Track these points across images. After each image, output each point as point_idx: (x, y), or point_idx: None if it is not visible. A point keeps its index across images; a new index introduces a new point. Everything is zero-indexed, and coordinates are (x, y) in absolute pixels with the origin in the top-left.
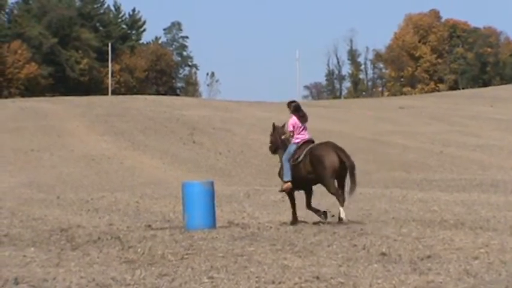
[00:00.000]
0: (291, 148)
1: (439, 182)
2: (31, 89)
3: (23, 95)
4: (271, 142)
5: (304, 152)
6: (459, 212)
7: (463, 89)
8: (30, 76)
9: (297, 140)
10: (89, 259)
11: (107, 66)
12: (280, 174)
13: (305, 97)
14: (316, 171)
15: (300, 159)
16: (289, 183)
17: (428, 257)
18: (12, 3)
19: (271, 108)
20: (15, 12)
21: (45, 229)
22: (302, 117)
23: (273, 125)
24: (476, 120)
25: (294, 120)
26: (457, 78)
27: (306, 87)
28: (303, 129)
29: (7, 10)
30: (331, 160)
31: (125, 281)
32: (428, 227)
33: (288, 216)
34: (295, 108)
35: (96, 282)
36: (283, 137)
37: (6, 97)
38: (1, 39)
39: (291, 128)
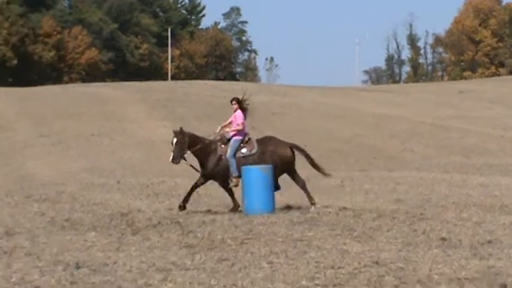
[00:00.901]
0: (236, 144)
1: (500, 166)
2: (91, 74)
3: (83, 81)
4: (180, 150)
5: (256, 147)
6: None
7: None
8: (90, 61)
9: (240, 136)
10: (149, 244)
11: (167, 52)
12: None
13: (364, 82)
14: (282, 166)
15: (252, 153)
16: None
17: (489, 242)
18: None
19: (330, 93)
20: None
21: (106, 214)
22: (246, 111)
23: (181, 129)
24: None
25: (242, 115)
26: None
27: (366, 72)
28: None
29: None
30: (290, 155)
31: (185, 266)
32: (489, 212)
33: (346, 202)
34: (241, 105)
35: (156, 267)
36: (221, 132)
37: (66, 82)
38: (62, 25)
39: (242, 122)
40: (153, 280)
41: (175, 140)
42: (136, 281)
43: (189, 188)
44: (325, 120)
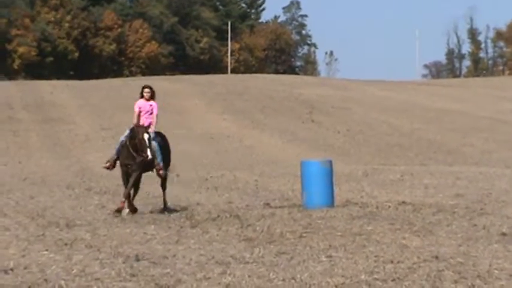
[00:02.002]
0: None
1: None
2: (152, 67)
3: (143, 74)
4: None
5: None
6: None
7: None
8: (150, 55)
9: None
10: (208, 237)
11: (227, 45)
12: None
13: (424, 76)
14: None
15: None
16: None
17: None
18: None
19: (390, 87)
20: None
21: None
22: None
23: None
24: None
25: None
26: None
27: (426, 66)
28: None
29: None
30: None
31: (244, 259)
32: None
33: (406, 196)
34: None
35: (215, 260)
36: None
37: (127, 76)
38: (123, 18)
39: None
40: (212, 273)
41: (147, 136)
42: (195, 274)
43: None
44: (385, 114)
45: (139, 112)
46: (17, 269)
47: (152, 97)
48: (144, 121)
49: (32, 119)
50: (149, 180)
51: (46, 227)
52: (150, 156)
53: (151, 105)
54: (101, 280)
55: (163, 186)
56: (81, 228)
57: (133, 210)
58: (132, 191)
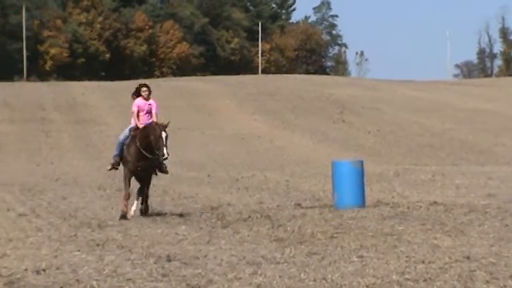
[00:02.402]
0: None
1: None
2: (182, 68)
3: (174, 74)
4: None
5: None
6: None
7: None
8: (181, 55)
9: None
10: (239, 237)
11: (257, 46)
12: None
13: (455, 76)
14: None
15: None
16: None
17: None
18: None
19: (421, 87)
20: None
21: (196, 207)
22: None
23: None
24: None
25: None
26: None
27: (457, 65)
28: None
29: None
30: None
31: (275, 259)
32: None
33: (437, 196)
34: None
35: (246, 260)
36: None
37: (158, 76)
38: (154, 20)
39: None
40: (243, 273)
41: (164, 134)
42: (227, 274)
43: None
44: (416, 114)
45: (138, 112)
46: (49, 269)
47: (149, 96)
48: (143, 121)
49: (63, 120)
50: (179, 181)
51: (78, 228)
52: (166, 156)
53: (150, 105)
54: (132, 280)
55: (147, 191)
56: (113, 228)
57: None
58: (134, 194)
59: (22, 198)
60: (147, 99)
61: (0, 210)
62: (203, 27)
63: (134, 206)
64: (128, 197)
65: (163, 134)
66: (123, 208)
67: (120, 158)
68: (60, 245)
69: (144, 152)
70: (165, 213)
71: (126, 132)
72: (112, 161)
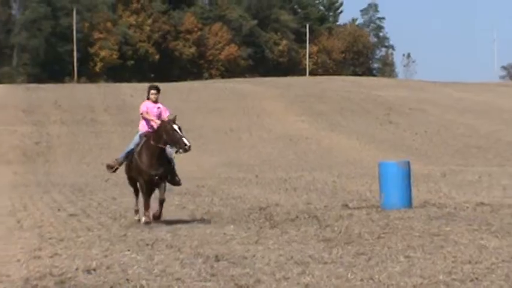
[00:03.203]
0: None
1: None
2: (231, 70)
3: (223, 76)
4: None
5: None
6: None
7: None
8: (230, 57)
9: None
10: (287, 237)
11: (305, 48)
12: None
13: (502, 77)
14: None
15: None
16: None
17: None
18: None
19: (467, 88)
20: None
21: (244, 207)
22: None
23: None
24: None
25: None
26: None
27: (503, 67)
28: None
29: None
30: None
31: (323, 259)
32: None
33: (484, 197)
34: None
35: (294, 260)
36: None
37: (206, 78)
38: (203, 22)
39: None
40: (291, 273)
41: (176, 126)
42: (275, 274)
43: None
44: (462, 115)
45: (147, 113)
46: (99, 268)
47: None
48: (154, 119)
49: (113, 121)
50: (228, 181)
51: (128, 228)
52: (188, 144)
53: (158, 108)
54: (181, 280)
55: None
56: (162, 228)
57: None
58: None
59: (73, 199)
60: (155, 102)
61: (51, 210)
62: (251, 29)
63: (140, 215)
64: (148, 207)
65: (176, 126)
66: (146, 219)
67: (127, 165)
68: (110, 244)
69: (163, 147)
70: (214, 213)
71: (136, 139)
72: (114, 159)
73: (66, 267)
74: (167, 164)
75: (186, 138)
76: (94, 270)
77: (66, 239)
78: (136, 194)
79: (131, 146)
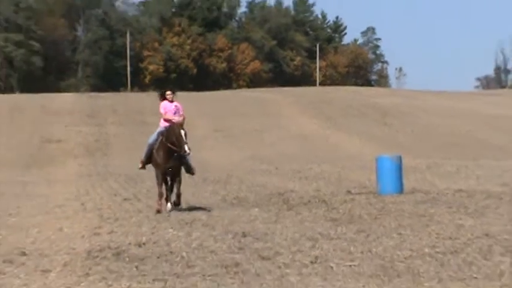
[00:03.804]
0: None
1: None
2: (255, 81)
3: (248, 87)
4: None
5: None
6: None
7: None
8: (254, 71)
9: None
10: (300, 217)
11: (315, 63)
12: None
13: (476, 87)
14: None
15: None
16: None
17: None
18: (240, 13)
19: (448, 96)
20: (243, 20)
21: (266, 193)
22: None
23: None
24: None
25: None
26: None
27: (478, 79)
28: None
29: (237, 18)
30: None
31: (329, 236)
32: None
33: (461, 185)
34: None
35: (306, 236)
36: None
37: (235, 88)
38: (232, 42)
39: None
40: (304, 247)
41: (183, 132)
42: (290, 248)
43: None
44: (444, 118)
45: (165, 113)
46: (148, 243)
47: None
48: (172, 117)
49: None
50: (253, 172)
51: (172, 210)
52: (188, 151)
53: (175, 106)
54: (214, 252)
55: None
56: (199, 210)
57: (175, 204)
58: (165, 191)
59: (126, 186)
60: (171, 101)
61: (108, 195)
62: (272, 48)
63: (169, 204)
64: (161, 196)
65: (182, 132)
66: (157, 207)
67: (149, 159)
68: (156, 223)
69: (173, 147)
70: (241, 198)
71: (154, 136)
72: (142, 159)
73: (121, 241)
74: (179, 158)
75: (187, 145)
76: (143, 244)
77: (121, 218)
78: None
79: (150, 141)
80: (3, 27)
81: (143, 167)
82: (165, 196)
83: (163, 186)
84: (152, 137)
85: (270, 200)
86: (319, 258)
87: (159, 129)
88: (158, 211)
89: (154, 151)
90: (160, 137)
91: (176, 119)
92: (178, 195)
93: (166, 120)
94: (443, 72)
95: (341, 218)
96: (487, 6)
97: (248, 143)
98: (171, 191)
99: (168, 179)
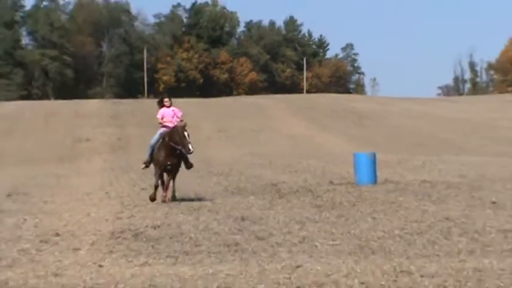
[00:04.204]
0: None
1: None
2: (252, 89)
3: (246, 94)
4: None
5: None
6: None
7: None
8: (251, 81)
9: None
10: (290, 204)
11: (303, 74)
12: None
13: (438, 94)
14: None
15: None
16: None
17: None
18: (239, 31)
19: (415, 102)
20: (242, 37)
21: (261, 184)
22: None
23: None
24: None
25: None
26: None
27: (439, 87)
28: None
29: (236, 36)
30: None
31: (315, 219)
32: None
33: (426, 176)
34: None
35: (295, 220)
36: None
37: (235, 95)
38: (232, 56)
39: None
40: (293, 229)
41: (186, 133)
42: (282, 229)
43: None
44: (412, 120)
45: (163, 118)
46: (162, 226)
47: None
48: (169, 122)
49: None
50: (251, 166)
51: (182, 198)
52: (191, 150)
53: (173, 111)
54: (218, 233)
55: (175, 178)
56: (205, 198)
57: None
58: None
59: (144, 178)
60: (169, 107)
61: (129, 185)
62: (266, 61)
63: (169, 195)
64: (156, 187)
65: (186, 133)
66: (151, 195)
67: (151, 158)
68: (169, 209)
69: (175, 146)
70: (240, 188)
71: (156, 137)
72: (145, 160)
73: (139, 224)
74: (178, 157)
75: (191, 144)
76: (158, 226)
77: (139, 205)
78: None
79: (152, 142)
80: (40, 44)
81: (146, 167)
82: (159, 187)
83: (159, 180)
84: (154, 138)
85: (265, 190)
86: (306, 238)
87: (159, 131)
88: (152, 199)
89: (156, 150)
90: (163, 138)
91: (171, 125)
92: (174, 191)
93: (163, 125)
94: (411, 82)
95: (324, 205)
96: (447, 25)
97: (246, 141)
98: (164, 184)
99: (165, 175)
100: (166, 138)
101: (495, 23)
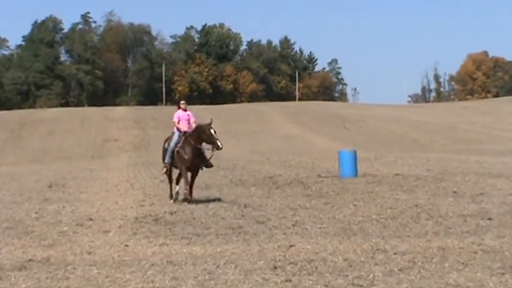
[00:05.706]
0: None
1: (488, 151)
2: (253, 97)
3: (248, 101)
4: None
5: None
6: (500, 168)
7: (502, 96)
8: (252, 91)
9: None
10: (285, 194)
11: (295, 85)
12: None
13: (409, 101)
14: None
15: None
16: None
17: (481, 193)
18: (242, 49)
19: (390, 108)
20: (244, 54)
21: (260, 176)
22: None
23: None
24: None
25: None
26: (499, 91)
27: (409, 95)
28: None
29: (240, 53)
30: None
31: (305, 206)
32: (481, 176)
33: (399, 170)
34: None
35: (289, 207)
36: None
37: (238, 103)
38: (236, 70)
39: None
40: (287, 214)
41: (213, 130)
42: (278, 215)
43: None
44: (387, 124)
45: (179, 120)
46: (177, 212)
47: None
48: (183, 126)
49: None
50: (251, 162)
51: (194, 189)
52: (221, 146)
53: (188, 114)
54: (224, 218)
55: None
56: (213, 189)
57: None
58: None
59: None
60: (185, 110)
61: (150, 178)
62: (264, 74)
63: (178, 188)
64: (188, 184)
65: (212, 131)
66: (185, 192)
67: (172, 160)
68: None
69: (200, 147)
70: (243, 180)
71: (175, 138)
72: (165, 163)
73: (158, 211)
74: (201, 155)
75: (219, 141)
76: (174, 212)
77: (159, 195)
78: (171, 182)
79: (172, 145)
80: (76, 60)
81: (168, 171)
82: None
83: (188, 175)
84: (173, 141)
85: (263, 182)
86: (298, 222)
87: (176, 133)
88: (186, 198)
89: (178, 150)
90: (184, 137)
91: (185, 128)
92: (191, 188)
93: (178, 128)
94: (386, 91)
95: (313, 194)
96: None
97: (248, 141)
98: (178, 183)
99: (188, 174)
100: (191, 140)
101: (456, 41)
